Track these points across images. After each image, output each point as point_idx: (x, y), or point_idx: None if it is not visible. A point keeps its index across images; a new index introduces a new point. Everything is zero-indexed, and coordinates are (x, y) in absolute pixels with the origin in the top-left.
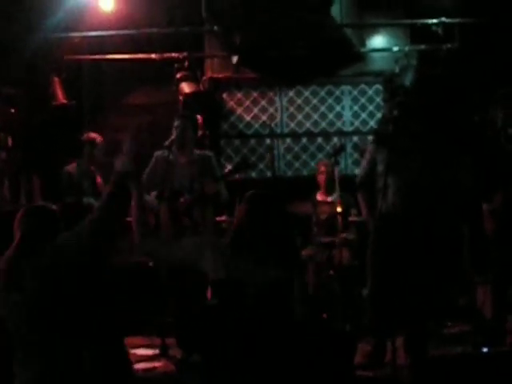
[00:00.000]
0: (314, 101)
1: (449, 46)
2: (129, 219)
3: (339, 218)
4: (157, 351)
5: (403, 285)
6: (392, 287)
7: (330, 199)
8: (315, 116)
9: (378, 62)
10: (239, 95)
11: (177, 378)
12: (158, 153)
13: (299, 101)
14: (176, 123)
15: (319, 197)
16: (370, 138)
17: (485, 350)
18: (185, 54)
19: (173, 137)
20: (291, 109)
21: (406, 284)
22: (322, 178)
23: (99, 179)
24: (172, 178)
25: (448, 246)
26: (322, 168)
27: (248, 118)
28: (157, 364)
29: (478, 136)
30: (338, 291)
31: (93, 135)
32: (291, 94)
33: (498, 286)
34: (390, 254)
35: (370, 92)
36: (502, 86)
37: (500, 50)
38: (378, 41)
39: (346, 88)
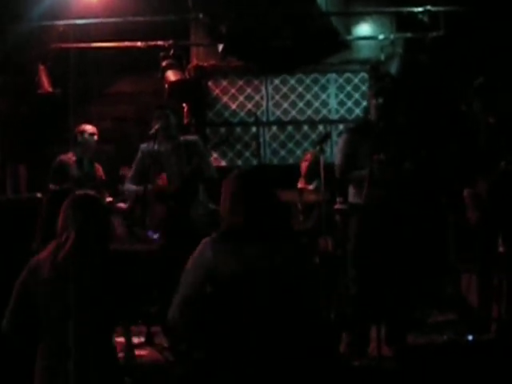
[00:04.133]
0: (300, 89)
1: (434, 34)
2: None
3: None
4: (142, 339)
5: (387, 273)
6: (376, 275)
7: (310, 187)
8: (301, 104)
9: (364, 50)
10: (225, 83)
11: (163, 366)
12: (143, 146)
13: (285, 89)
14: (156, 114)
15: (300, 184)
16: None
17: (470, 338)
18: (170, 42)
19: (156, 127)
20: (277, 97)
21: (389, 272)
22: (303, 166)
23: (100, 169)
24: (160, 167)
25: (432, 234)
26: (307, 156)
27: (233, 106)
28: (142, 352)
29: (462, 124)
30: (322, 279)
31: (88, 125)
32: (277, 82)
33: (483, 274)
34: (374, 242)
35: (356, 80)
36: (480, 76)
37: (484, 37)
38: (363, 29)
39: (332, 76)
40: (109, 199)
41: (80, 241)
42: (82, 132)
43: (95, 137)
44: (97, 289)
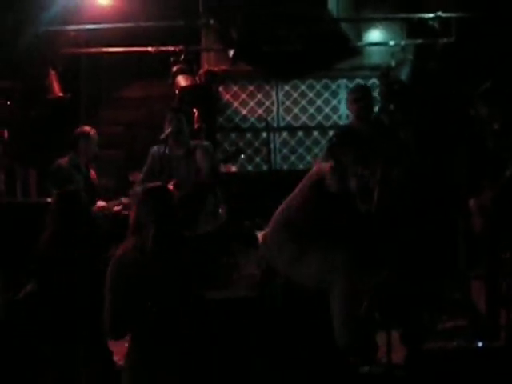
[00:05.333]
0: (311, 94)
1: (445, 40)
2: None
3: None
4: None
5: (399, 277)
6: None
7: None
8: (311, 110)
9: (375, 56)
10: (235, 88)
11: None
12: (153, 149)
13: (295, 94)
14: (168, 117)
15: None
16: None
17: (479, 344)
18: (181, 47)
19: (167, 131)
20: (287, 102)
21: (401, 277)
22: None
23: (93, 173)
24: (169, 172)
25: (442, 239)
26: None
27: (244, 112)
28: None
29: (471, 130)
30: None
31: (87, 128)
32: (287, 87)
33: (490, 280)
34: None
35: None
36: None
37: (495, 43)
38: (374, 35)
39: (343, 82)
40: (101, 204)
41: (161, 232)
42: (83, 134)
43: (95, 140)
44: (186, 274)
